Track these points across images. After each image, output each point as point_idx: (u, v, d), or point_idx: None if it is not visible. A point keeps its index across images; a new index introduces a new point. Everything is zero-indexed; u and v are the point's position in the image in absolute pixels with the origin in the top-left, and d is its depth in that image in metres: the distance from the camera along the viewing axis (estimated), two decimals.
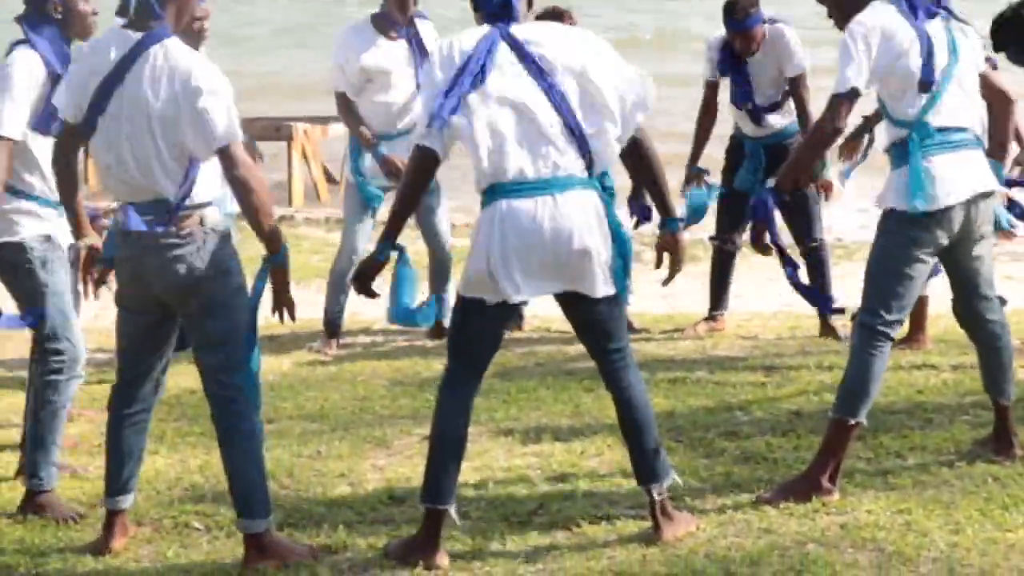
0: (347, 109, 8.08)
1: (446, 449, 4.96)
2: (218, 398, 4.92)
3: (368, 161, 8.07)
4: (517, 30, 4.85)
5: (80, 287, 5.45)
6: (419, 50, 7.95)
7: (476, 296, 4.85)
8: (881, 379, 5.47)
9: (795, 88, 8.03)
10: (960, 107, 5.46)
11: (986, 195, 5.52)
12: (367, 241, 8.32)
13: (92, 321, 8.55)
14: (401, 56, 8.00)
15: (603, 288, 4.88)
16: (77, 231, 5.17)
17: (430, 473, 4.96)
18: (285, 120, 15.38)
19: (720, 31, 8.13)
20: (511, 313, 5.05)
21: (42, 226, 5.55)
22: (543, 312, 8.44)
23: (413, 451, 6.16)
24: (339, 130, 15.53)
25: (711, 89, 8.27)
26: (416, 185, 4.90)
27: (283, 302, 4.91)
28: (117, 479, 5.06)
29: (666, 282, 5.10)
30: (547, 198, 4.77)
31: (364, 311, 9.23)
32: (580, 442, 6.20)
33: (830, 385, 6.62)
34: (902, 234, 5.39)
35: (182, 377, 7.29)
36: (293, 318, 4.96)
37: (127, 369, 5.05)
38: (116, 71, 4.71)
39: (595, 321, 4.98)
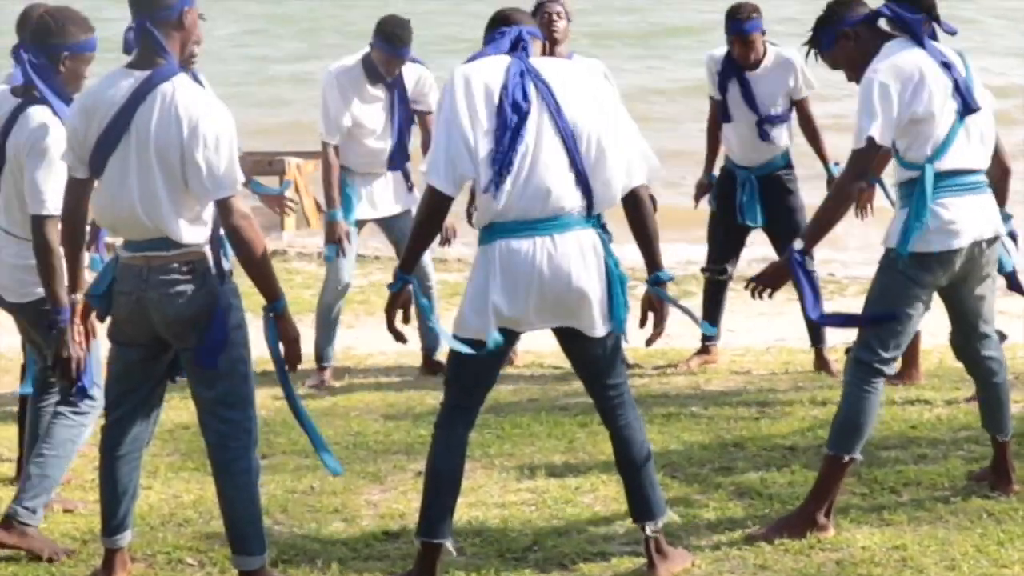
0: (327, 161, 8.11)
1: (442, 484, 4.95)
2: (216, 433, 4.90)
3: (353, 193, 8.10)
4: (536, 64, 4.86)
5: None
6: (400, 98, 8.02)
7: (472, 336, 4.85)
8: (876, 415, 5.47)
9: (804, 110, 8.12)
10: (970, 148, 5.45)
11: (992, 239, 5.52)
12: (352, 272, 8.35)
13: None
14: (385, 102, 8.05)
15: (600, 327, 4.89)
16: (72, 284, 5.07)
17: (425, 508, 4.96)
18: (278, 155, 15.38)
19: (720, 48, 8.18)
20: (507, 350, 5.05)
21: None
22: (536, 347, 8.45)
23: (407, 486, 6.15)
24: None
25: (715, 105, 8.29)
26: (431, 224, 4.91)
27: (293, 353, 4.92)
28: (113, 517, 5.03)
29: (649, 342, 5.06)
30: (545, 238, 4.79)
31: (357, 346, 9.25)
32: (575, 478, 6.19)
33: (824, 420, 6.62)
34: (903, 273, 5.39)
35: (175, 412, 7.30)
36: (295, 368, 5.01)
37: (117, 405, 5.01)
38: (125, 110, 4.68)
39: (592, 358, 4.99)
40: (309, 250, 12.90)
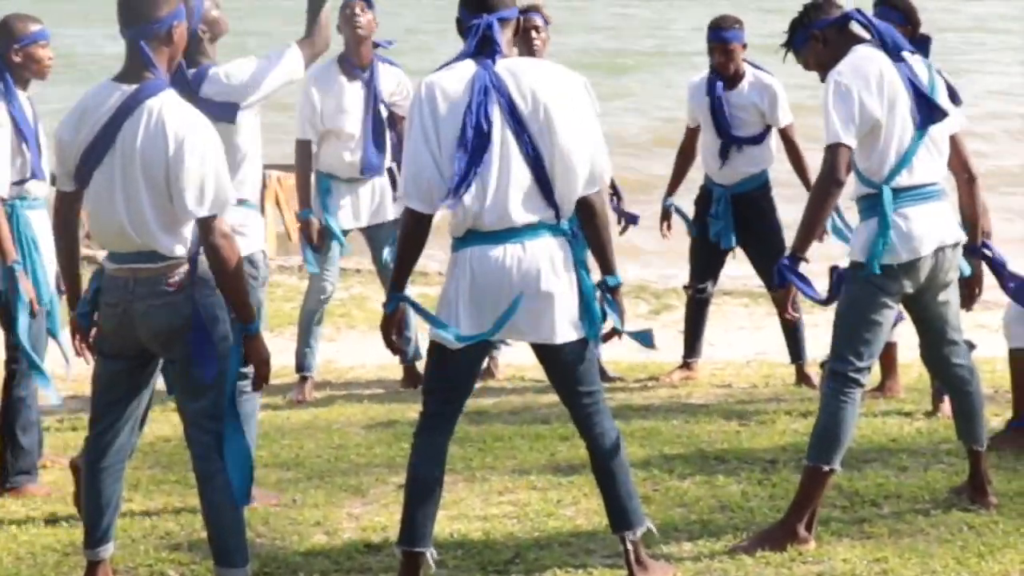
0: (303, 160, 8.13)
1: (422, 493, 4.97)
2: (201, 444, 4.90)
3: (335, 200, 8.10)
4: (502, 69, 4.84)
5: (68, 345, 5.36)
6: (374, 96, 8.03)
7: (441, 340, 4.88)
8: (854, 425, 5.49)
9: (788, 138, 8.15)
10: (930, 162, 5.50)
11: (953, 245, 5.57)
12: (334, 281, 8.34)
13: (63, 367, 8.52)
14: (359, 99, 8.06)
15: (569, 332, 4.91)
16: (71, 300, 5.03)
17: (406, 517, 4.97)
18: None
19: (700, 73, 8.22)
20: (482, 357, 5.09)
21: None
22: (517, 361, 8.46)
23: (389, 499, 6.15)
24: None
25: (691, 133, 8.33)
26: (413, 242, 4.92)
27: (262, 375, 4.92)
28: (96, 529, 5.02)
29: (607, 338, 5.07)
30: (516, 245, 4.82)
31: (339, 359, 9.25)
32: (556, 491, 6.19)
33: (805, 433, 6.62)
34: (870, 283, 5.43)
35: (156, 424, 7.29)
36: (259, 388, 5.03)
37: (101, 417, 5.00)
38: (111, 124, 4.68)
39: (564, 365, 5.00)
40: (290, 263, 12.88)
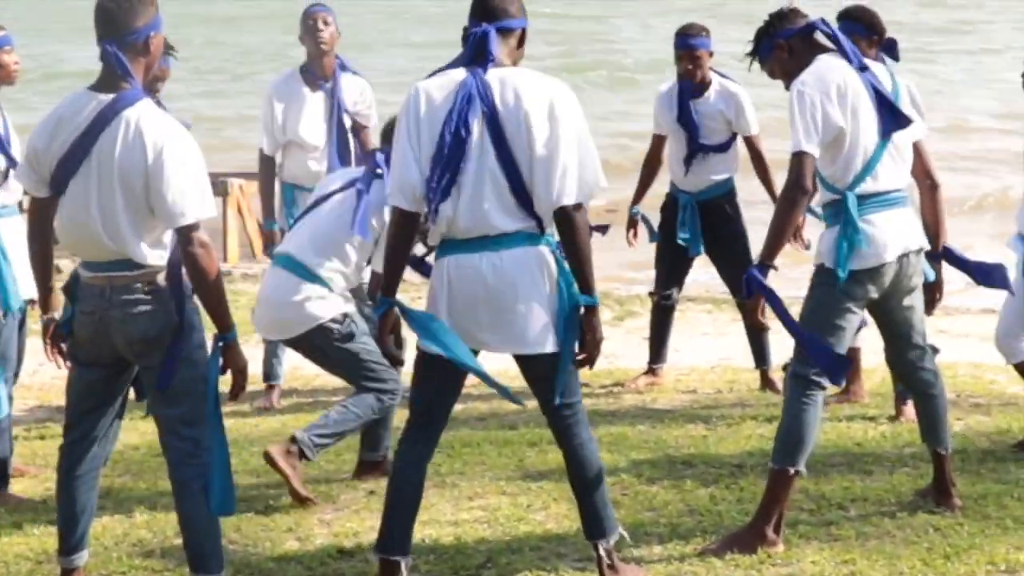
0: (266, 171, 8.17)
1: (403, 501, 5.01)
2: (176, 451, 4.92)
3: (300, 210, 8.12)
4: (492, 77, 4.86)
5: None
6: (337, 106, 8.06)
7: (427, 349, 4.91)
8: (817, 427, 5.57)
9: (754, 147, 8.22)
10: (894, 169, 5.58)
11: (917, 250, 5.66)
12: None
13: (30, 377, 8.53)
14: (321, 109, 8.08)
15: (548, 344, 4.92)
16: (44, 304, 5.06)
17: (385, 524, 5.01)
18: (221, 175, 15.35)
19: (668, 82, 8.29)
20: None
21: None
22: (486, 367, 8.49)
23: (360, 505, 6.18)
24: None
25: (657, 142, 8.40)
26: (401, 242, 4.96)
27: (240, 384, 4.96)
28: (71, 537, 5.04)
29: (580, 364, 5.03)
30: (493, 254, 4.85)
31: (305, 366, 9.22)
32: (525, 496, 6.24)
33: (770, 437, 6.66)
34: (835, 288, 5.50)
35: (125, 433, 7.24)
36: (236, 397, 5.08)
37: (76, 425, 5.01)
38: (88, 133, 4.69)
39: (543, 375, 5.03)
40: (255, 271, 12.89)
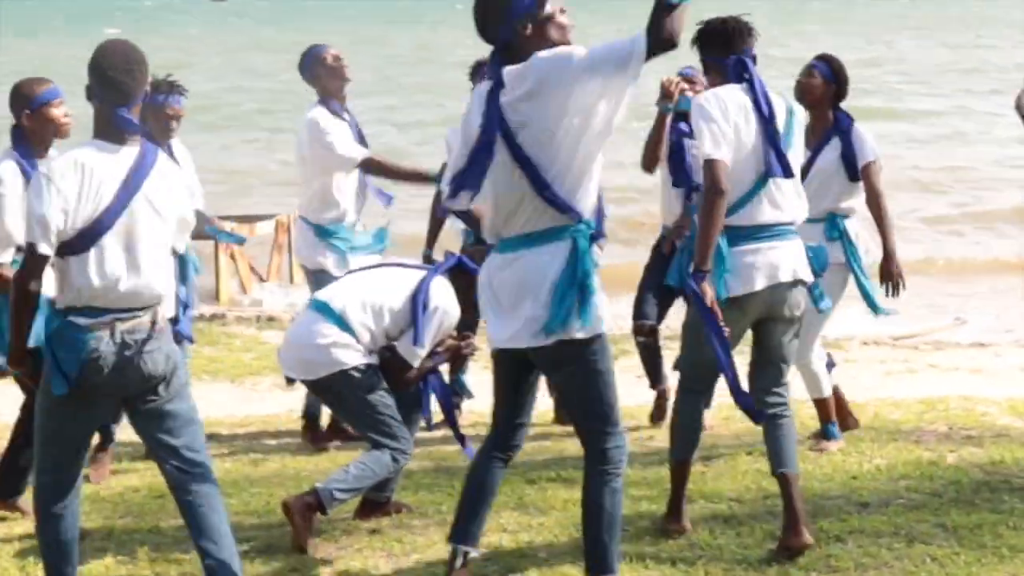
0: (384, 162, 8.22)
1: (471, 492, 5.44)
2: (191, 476, 5.15)
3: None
4: (508, 77, 4.96)
5: None
6: (358, 131, 8.17)
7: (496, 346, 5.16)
8: (701, 425, 6.19)
9: None
10: (771, 210, 5.87)
11: (791, 283, 5.89)
12: None
13: None
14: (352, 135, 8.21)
15: (573, 329, 5.00)
16: (17, 357, 5.11)
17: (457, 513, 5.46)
18: (212, 219, 15.42)
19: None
20: (522, 361, 5.21)
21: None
22: (480, 408, 8.55)
23: (362, 544, 6.23)
24: (266, 228, 15.63)
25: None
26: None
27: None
28: (68, 565, 5.24)
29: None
30: (524, 250, 4.99)
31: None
32: (526, 532, 6.29)
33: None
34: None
35: (125, 476, 7.36)
36: None
37: (65, 467, 5.16)
38: (134, 179, 4.96)
39: (564, 370, 5.12)
40: (248, 314, 12.94)
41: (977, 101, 30.01)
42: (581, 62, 4.82)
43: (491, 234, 5.12)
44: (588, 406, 5.17)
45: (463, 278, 6.57)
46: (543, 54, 4.91)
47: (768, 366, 6.03)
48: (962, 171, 22.33)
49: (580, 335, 5.01)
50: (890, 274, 7.25)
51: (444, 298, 6.47)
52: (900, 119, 27.40)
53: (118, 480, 7.37)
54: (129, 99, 4.97)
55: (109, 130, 4.98)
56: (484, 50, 5.21)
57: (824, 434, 7.59)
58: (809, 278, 5.99)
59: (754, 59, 5.93)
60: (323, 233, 8.07)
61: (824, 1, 69.79)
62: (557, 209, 4.95)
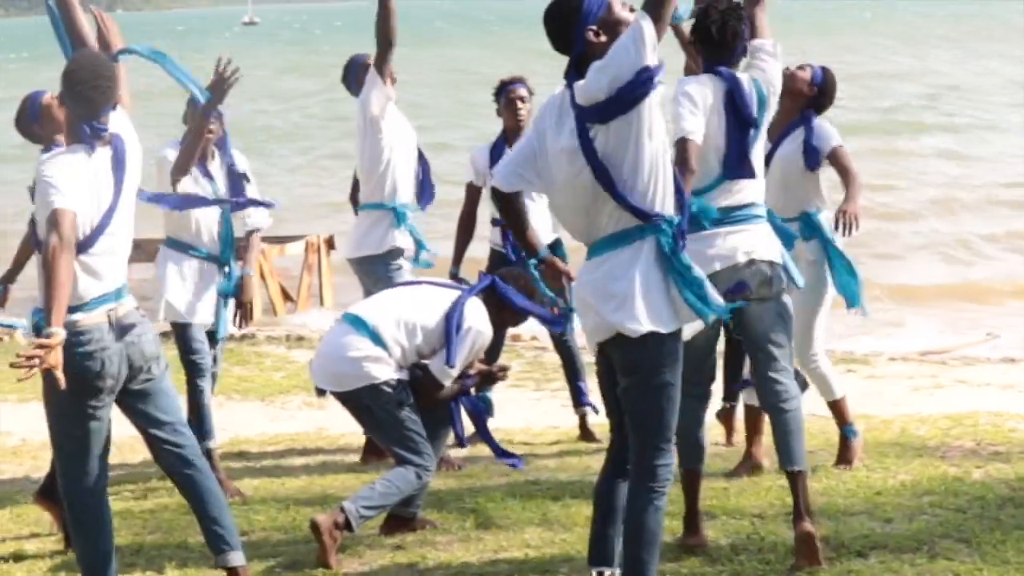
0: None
1: (598, 511, 5.31)
2: (179, 448, 5.48)
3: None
4: (578, 90, 4.97)
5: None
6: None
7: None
8: (703, 432, 6.36)
9: None
10: (746, 185, 5.99)
11: (749, 263, 5.96)
12: None
13: None
14: None
15: (643, 323, 4.95)
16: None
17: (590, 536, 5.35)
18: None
19: None
20: (610, 359, 5.15)
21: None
22: (505, 426, 8.60)
23: (386, 560, 6.27)
24: (296, 249, 15.72)
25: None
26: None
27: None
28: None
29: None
30: (608, 252, 5.01)
31: (330, 426, 9.36)
32: (550, 548, 6.32)
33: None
34: None
35: (155, 494, 7.46)
36: None
37: (90, 471, 5.36)
38: (117, 172, 5.32)
39: (632, 362, 5.06)
40: (278, 333, 13.03)
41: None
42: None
43: (579, 239, 5.18)
44: (648, 417, 5.06)
45: (495, 300, 6.63)
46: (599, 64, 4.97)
47: (759, 352, 6.09)
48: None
49: (663, 330, 4.97)
50: (843, 212, 7.06)
51: (478, 319, 6.53)
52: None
53: (150, 499, 7.45)
54: (96, 113, 5.24)
55: (83, 137, 5.27)
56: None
57: (843, 437, 7.54)
58: (775, 259, 6.03)
59: (745, 50, 6.06)
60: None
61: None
62: (633, 212, 4.97)
